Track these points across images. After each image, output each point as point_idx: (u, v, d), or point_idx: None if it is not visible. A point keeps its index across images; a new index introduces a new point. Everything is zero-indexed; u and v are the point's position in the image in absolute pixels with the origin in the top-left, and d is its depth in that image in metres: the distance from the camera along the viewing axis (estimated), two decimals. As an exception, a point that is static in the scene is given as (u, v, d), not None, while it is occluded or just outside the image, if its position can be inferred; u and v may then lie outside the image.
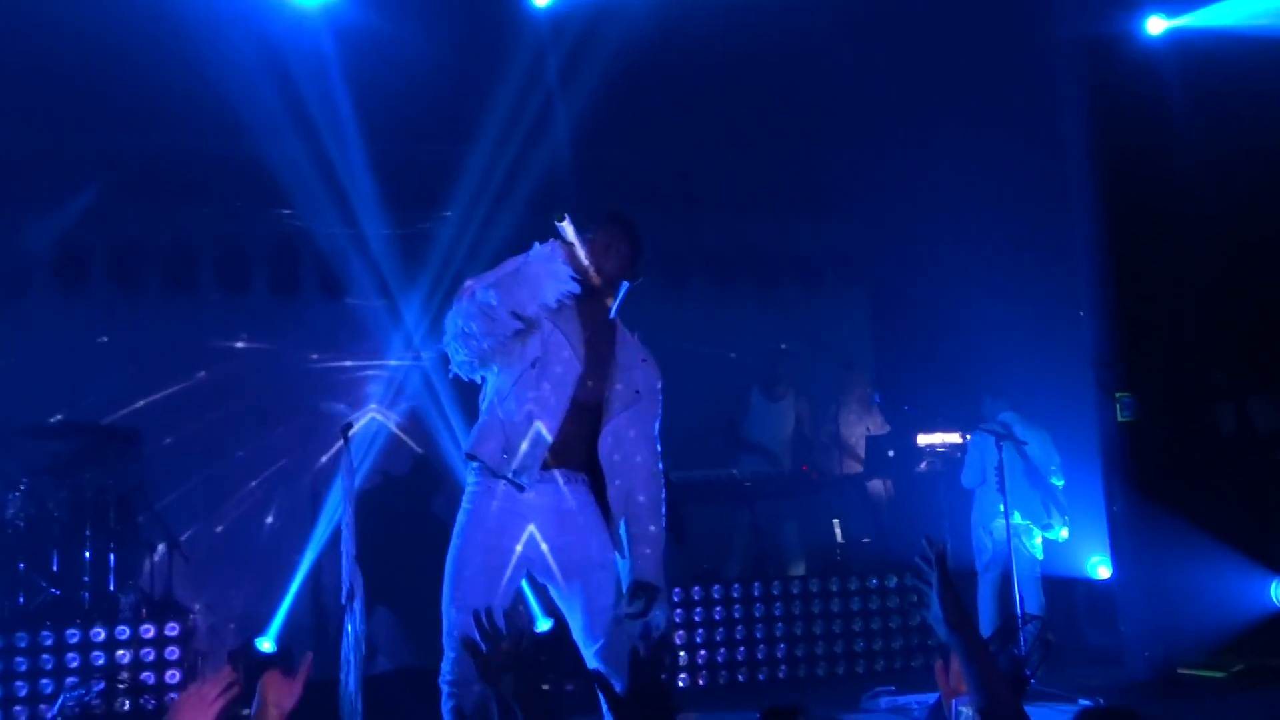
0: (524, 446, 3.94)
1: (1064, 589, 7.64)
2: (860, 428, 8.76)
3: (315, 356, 8.81)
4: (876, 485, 8.71)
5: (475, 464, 4.05)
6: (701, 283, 9.24)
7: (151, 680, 6.43)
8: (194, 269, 8.59)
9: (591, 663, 4.05)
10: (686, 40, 7.15)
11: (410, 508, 8.25)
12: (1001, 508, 6.92)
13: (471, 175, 8.08)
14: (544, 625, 7.30)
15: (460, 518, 4.07)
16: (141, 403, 8.31)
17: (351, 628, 6.26)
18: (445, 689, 3.97)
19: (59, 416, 7.89)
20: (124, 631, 6.46)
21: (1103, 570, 7.77)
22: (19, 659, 6.21)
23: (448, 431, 8.45)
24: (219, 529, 8.38)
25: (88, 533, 7.15)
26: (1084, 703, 5.83)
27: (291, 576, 8.21)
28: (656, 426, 4.20)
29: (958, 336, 8.36)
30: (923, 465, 8.30)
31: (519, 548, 4.00)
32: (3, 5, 6.31)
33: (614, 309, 4.20)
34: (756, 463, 8.47)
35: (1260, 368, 7.51)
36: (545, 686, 6.92)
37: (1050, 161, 7.77)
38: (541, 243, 3.97)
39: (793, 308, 9.73)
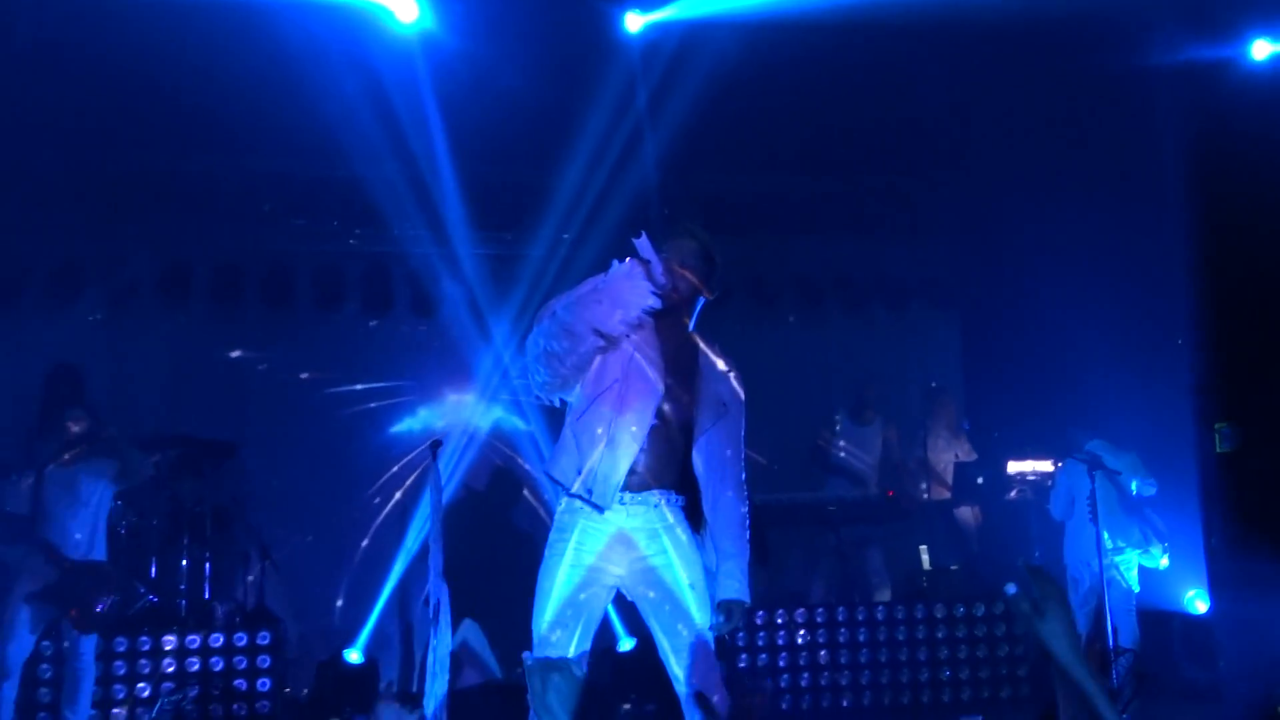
0: (601, 467, 3.91)
1: (1160, 622, 7.46)
2: (949, 454, 8.66)
3: (405, 373, 8.94)
4: (965, 512, 8.59)
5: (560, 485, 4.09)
6: (789, 306, 9.22)
7: (244, 687, 6.54)
8: (291, 288, 8.75)
9: (680, 686, 4.03)
10: (774, 65, 7.15)
11: (498, 523, 8.34)
12: (1100, 539, 6.78)
13: (562, 198, 8.15)
14: (627, 645, 7.31)
15: (551, 536, 4.09)
16: (239, 416, 8.50)
17: (437, 641, 6.34)
18: (532, 709, 3.97)
19: (160, 428, 8.08)
20: (218, 639, 6.58)
21: (1200, 604, 7.60)
22: (118, 663, 6.36)
23: (534, 449, 8.53)
24: (310, 540, 8.52)
25: (185, 541, 7.33)
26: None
27: (380, 589, 8.34)
28: (742, 435, 4.18)
29: (1049, 363, 8.24)
30: (1012, 493, 8.19)
31: (609, 567, 3.99)
32: (118, 35, 6.51)
33: (692, 323, 4.18)
34: (843, 487, 8.40)
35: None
36: (626, 706, 6.93)
37: (1148, 188, 7.64)
38: (620, 261, 3.95)
39: (881, 331, 9.66)
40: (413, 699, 6.06)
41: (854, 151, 8.34)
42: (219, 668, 6.53)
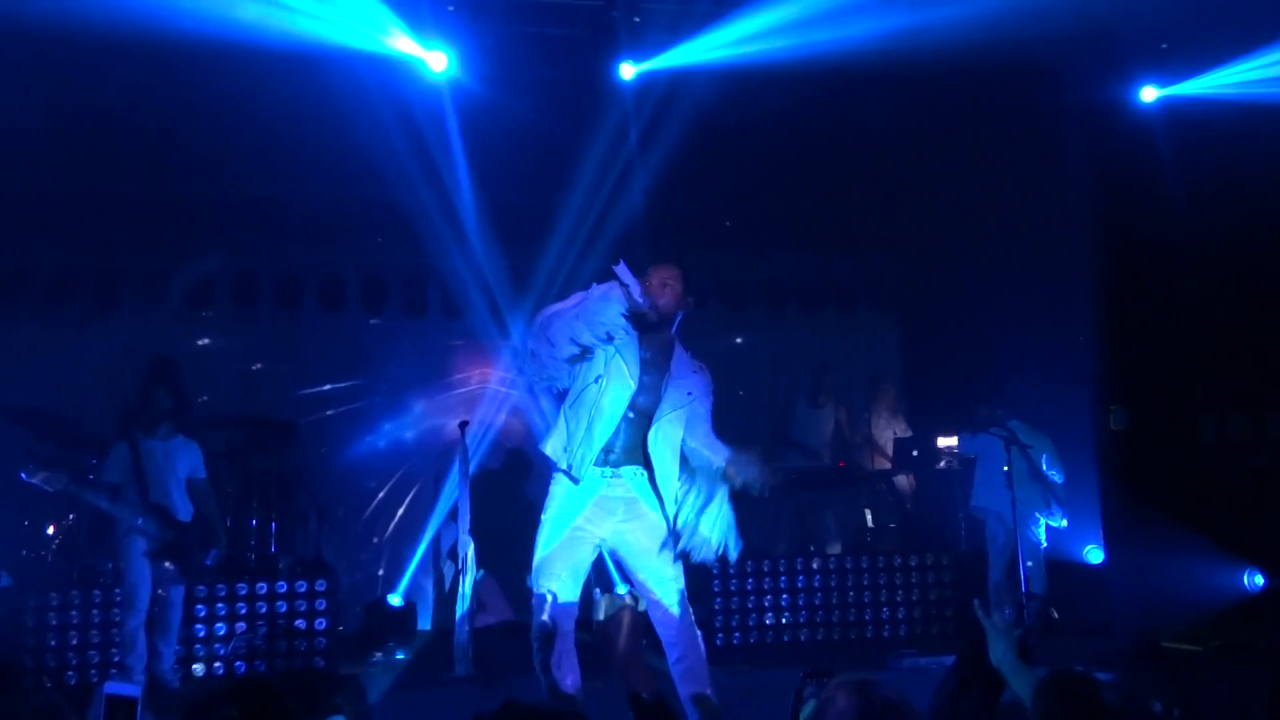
0: (581, 447, 3.97)
1: (1064, 571, 7.49)
2: (889, 431, 8.69)
3: (438, 365, 8.94)
4: (902, 480, 8.62)
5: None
6: (756, 310, 9.22)
7: (304, 626, 6.57)
8: (343, 293, 8.72)
9: (659, 628, 4.07)
10: (744, 107, 7.15)
11: (512, 490, 8.35)
12: (1014, 502, 6.80)
13: (566, 218, 8.14)
14: (623, 589, 7.34)
15: (545, 503, 4.13)
16: (300, 401, 8.49)
17: (464, 587, 6.38)
18: (535, 644, 4.02)
19: (235, 409, 8.10)
20: (282, 586, 6.59)
21: (1096, 556, 7.63)
22: (199, 606, 6.37)
23: (542, 432, 8.55)
24: (360, 505, 8.53)
25: (254, 505, 7.35)
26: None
27: (416, 545, 8.37)
28: (707, 409, 4.21)
29: (974, 355, 8.25)
30: (942, 463, 8.23)
31: (591, 528, 4.05)
32: (213, 82, 6.48)
33: (673, 330, 4.21)
34: (801, 459, 8.43)
35: (1235, 384, 7.31)
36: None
37: (1055, 209, 7.65)
38: (599, 283, 3.98)
39: (833, 330, 9.68)
40: None
41: (811, 179, 8.32)
42: (283, 610, 6.55)
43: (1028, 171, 7.81)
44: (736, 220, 8.51)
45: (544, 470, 4.29)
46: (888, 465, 8.59)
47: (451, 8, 6.40)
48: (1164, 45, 6.93)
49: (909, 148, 7.91)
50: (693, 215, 8.12)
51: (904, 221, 9.05)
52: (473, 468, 8.23)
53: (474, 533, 6.42)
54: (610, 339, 3.94)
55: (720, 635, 7.00)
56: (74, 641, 6.18)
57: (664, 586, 4.04)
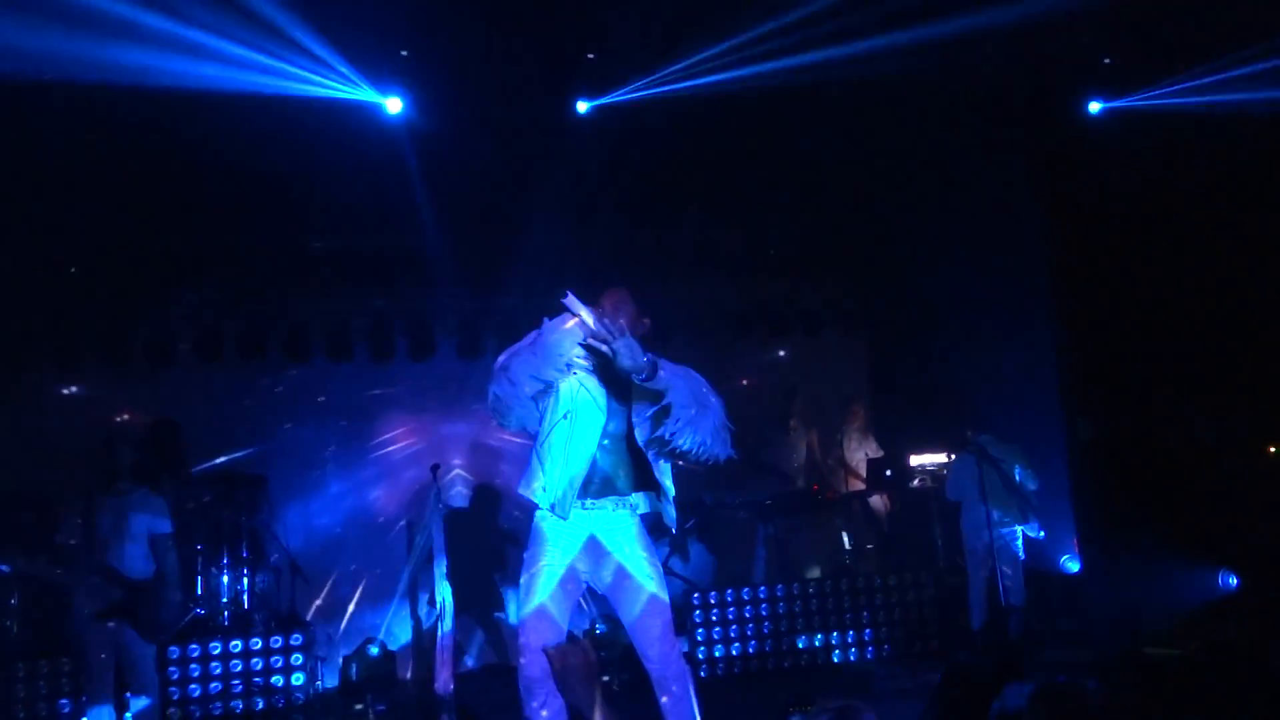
0: (561, 484, 3.93)
1: (1042, 581, 7.52)
2: (861, 453, 8.73)
3: (407, 408, 8.86)
4: (877, 500, 8.66)
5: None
6: (723, 336, 9.22)
7: (281, 683, 6.47)
8: (309, 343, 8.53)
9: (647, 663, 4.03)
10: (699, 134, 7.19)
11: (489, 532, 8.28)
12: (990, 516, 6.84)
13: (529, 251, 8.12)
14: (600, 628, 7.29)
15: (529, 542, 4.10)
16: (257, 452, 8.36)
17: (442, 633, 6.30)
18: (523, 686, 3.97)
19: (200, 466, 7.97)
20: (256, 643, 6.51)
21: (1074, 566, 7.68)
22: (171, 668, 6.26)
23: (512, 467, 8.49)
24: (333, 554, 8.40)
25: (225, 561, 7.24)
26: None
27: (393, 592, 8.27)
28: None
29: (943, 373, 8.30)
30: (915, 482, 8.26)
31: (578, 565, 4.01)
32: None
33: None
34: (775, 485, 8.44)
35: (1199, 395, 7.42)
36: (606, 677, 6.90)
37: (1013, 222, 7.75)
38: (550, 318, 3.94)
39: (802, 354, 9.73)
40: None
41: (774, 207, 8.38)
42: (259, 667, 6.44)
43: (986, 190, 7.93)
44: (699, 247, 8.54)
45: (513, 505, 4.23)
46: (862, 486, 8.62)
47: (405, 54, 6.40)
48: (1106, 61, 7.08)
49: (870, 177, 7.99)
50: (655, 244, 8.15)
51: (867, 243, 9.14)
52: (451, 504, 8.20)
53: (451, 576, 6.36)
54: (570, 369, 3.92)
55: (705, 667, 6.96)
56: (43, 713, 6.05)
57: (648, 619, 4.00)
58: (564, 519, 3.96)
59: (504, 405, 3.93)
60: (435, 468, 6.92)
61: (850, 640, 7.30)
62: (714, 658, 7.04)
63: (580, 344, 3.87)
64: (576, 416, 3.97)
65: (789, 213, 8.73)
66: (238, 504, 7.39)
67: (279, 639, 6.52)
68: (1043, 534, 7.24)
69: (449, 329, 8.66)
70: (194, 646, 6.35)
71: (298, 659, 6.51)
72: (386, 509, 8.55)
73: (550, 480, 3.97)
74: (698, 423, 3.88)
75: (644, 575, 4.03)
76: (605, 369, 3.97)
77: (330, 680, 7.22)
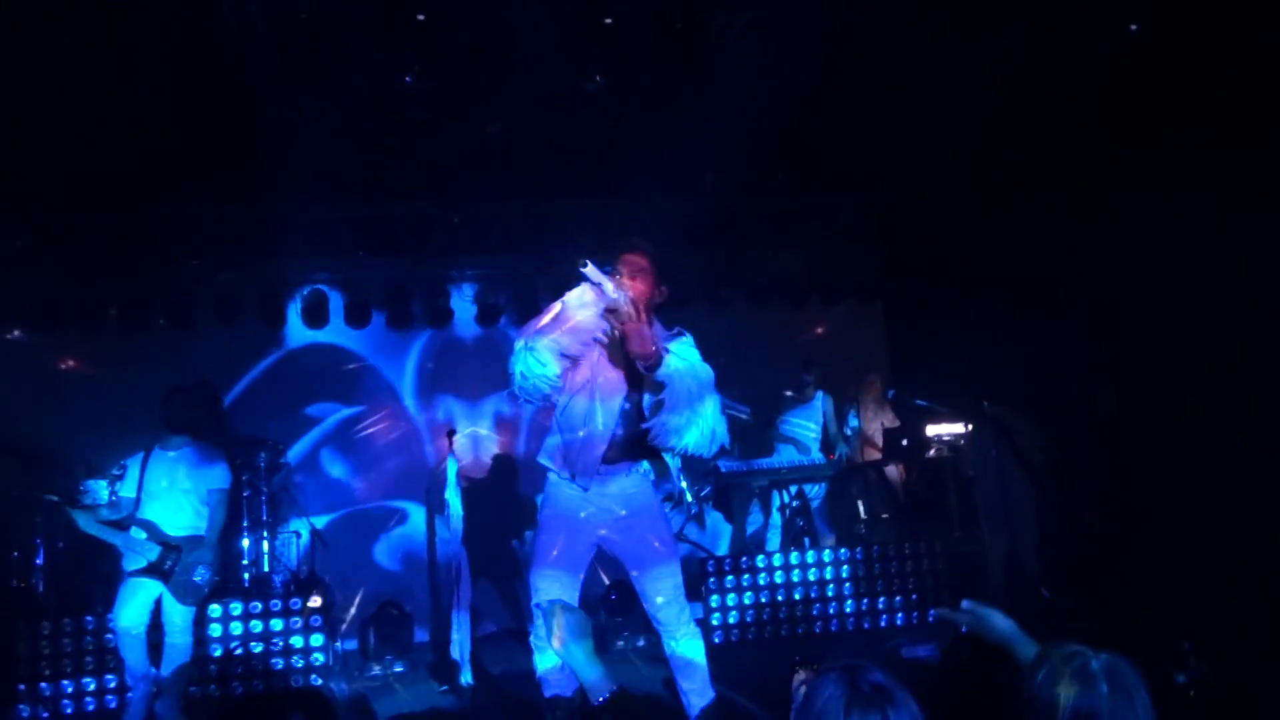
0: (581, 452, 3.96)
1: (1057, 549, 7.48)
2: (878, 422, 8.71)
3: (429, 376, 8.91)
4: (893, 470, 8.65)
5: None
6: (743, 305, 9.20)
7: (300, 643, 6.56)
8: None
9: (657, 625, 4.09)
10: (731, 104, 7.06)
11: (507, 497, 8.35)
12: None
13: (549, 221, 8.11)
14: (613, 592, 7.34)
15: (543, 505, 4.14)
16: (286, 418, 8.45)
17: (459, 596, 6.38)
18: (535, 647, 4.03)
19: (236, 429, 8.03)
20: (276, 604, 6.59)
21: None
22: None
23: (531, 436, 8.54)
24: (352, 518, 8.49)
25: (245, 524, 7.32)
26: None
27: (412, 556, 8.36)
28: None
29: (960, 342, 8.25)
30: (932, 452, 8.26)
31: (591, 527, 4.05)
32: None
33: (650, 319, 4.11)
34: (792, 453, 8.46)
35: (1217, 361, 7.29)
36: (620, 643, 6.96)
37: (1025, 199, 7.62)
38: (568, 291, 3.86)
39: (820, 323, 9.71)
40: None
41: (793, 175, 8.27)
42: (278, 628, 6.54)
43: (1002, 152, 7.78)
44: (722, 217, 8.48)
45: (530, 473, 4.26)
46: (878, 456, 8.62)
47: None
48: None
49: (886, 149, 7.86)
50: (678, 215, 8.09)
51: (885, 218, 9.05)
52: (469, 470, 8.26)
53: (467, 541, 6.43)
54: (597, 342, 3.89)
55: (719, 633, 7.01)
56: (68, 669, 6.16)
57: (661, 583, 4.04)
58: (585, 489, 4.00)
59: (529, 383, 3.78)
60: (450, 433, 6.96)
61: (865, 608, 7.33)
62: (728, 624, 7.09)
63: (601, 315, 3.79)
64: (597, 386, 3.97)
65: (809, 183, 8.61)
66: (257, 469, 7.46)
67: (298, 601, 6.59)
68: (1057, 504, 7.22)
69: (466, 296, 8.69)
70: (214, 607, 6.43)
71: (316, 620, 6.58)
72: (406, 473, 8.61)
73: (570, 448, 3.99)
74: (683, 430, 3.83)
75: (657, 538, 4.08)
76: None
77: (349, 643, 7.31)
